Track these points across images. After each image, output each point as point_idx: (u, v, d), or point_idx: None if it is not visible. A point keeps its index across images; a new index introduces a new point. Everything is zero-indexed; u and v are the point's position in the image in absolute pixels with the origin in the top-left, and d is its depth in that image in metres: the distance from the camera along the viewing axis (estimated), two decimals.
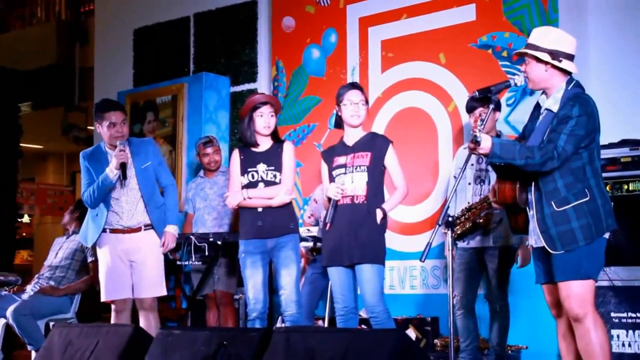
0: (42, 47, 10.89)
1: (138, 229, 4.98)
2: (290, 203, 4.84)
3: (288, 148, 4.89)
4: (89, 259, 6.10)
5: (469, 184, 5.03)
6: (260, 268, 4.78)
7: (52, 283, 5.91)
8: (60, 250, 6.13)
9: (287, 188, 4.80)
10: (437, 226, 3.80)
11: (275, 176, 4.83)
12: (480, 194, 4.97)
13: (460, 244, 5.03)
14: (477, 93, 3.87)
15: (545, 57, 3.71)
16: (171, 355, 3.78)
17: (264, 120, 4.85)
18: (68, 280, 5.97)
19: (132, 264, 4.97)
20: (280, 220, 4.78)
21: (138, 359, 3.86)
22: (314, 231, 5.51)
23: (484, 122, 3.65)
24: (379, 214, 4.49)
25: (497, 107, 5.12)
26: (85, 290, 6.10)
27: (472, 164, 5.04)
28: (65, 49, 10.85)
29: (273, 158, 4.85)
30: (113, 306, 5.03)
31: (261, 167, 4.85)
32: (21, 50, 10.88)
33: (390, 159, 4.62)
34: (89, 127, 10.65)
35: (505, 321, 4.99)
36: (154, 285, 4.97)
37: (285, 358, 3.44)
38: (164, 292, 5.07)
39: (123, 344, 3.97)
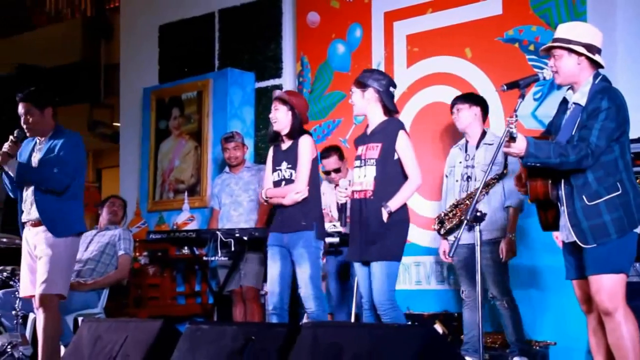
0: (68, 44, 10.99)
1: (38, 223, 4.84)
2: (307, 199, 4.81)
3: (303, 143, 4.85)
4: (119, 253, 6.13)
5: (457, 181, 5.11)
6: (278, 262, 4.81)
7: (81, 277, 5.93)
8: (90, 244, 6.15)
9: (297, 188, 4.78)
10: (466, 221, 3.77)
11: (291, 174, 4.85)
12: (467, 190, 5.05)
13: (452, 240, 5.08)
14: (505, 87, 3.83)
15: (580, 49, 3.68)
16: (199, 350, 3.79)
17: (271, 114, 4.91)
18: (98, 274, 6.00)
19: (35, 258, 4.87)
20: (293, 216, 4.79)
21: (167, 354, 3.87)
22: (339, 226, 5.50)
23: (516, 118, 3.61)
24: (384, 214, 4.41)
25: (475, 102, 5.18)
26: (113, 285, 6.14)
27: (460, 162, 5.13)
28: (90, 46, 10.94)
29: (292, 155, 4.87)
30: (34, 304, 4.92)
31: (284, 165, 4.89)
32: (47, 48, 10.99)
33: (400, 146, 4.50)
34: (114, 124, 10.73)
35: (516, 315, 4.98)
36: (43, 281, 4.73)
37: (312, 353, 3.43)
38: (53, 291, 4.76)
39: (151, 338, 3.98)
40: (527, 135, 3.65)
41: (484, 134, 5.12)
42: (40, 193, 4.81)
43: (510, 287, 5.04)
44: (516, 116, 3.58)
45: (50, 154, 4.85)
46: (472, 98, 5.25)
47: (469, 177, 5.06)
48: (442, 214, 5.13)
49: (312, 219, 4.79)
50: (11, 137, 4.83)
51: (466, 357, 4.82)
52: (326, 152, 6.05)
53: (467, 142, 5.20)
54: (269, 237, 4.91)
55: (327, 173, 6.04)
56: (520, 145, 3.57)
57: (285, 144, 4.94)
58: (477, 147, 5.10)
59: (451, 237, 5.11)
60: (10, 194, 5.03)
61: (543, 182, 3.69)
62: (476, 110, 5.15)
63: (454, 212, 5.04)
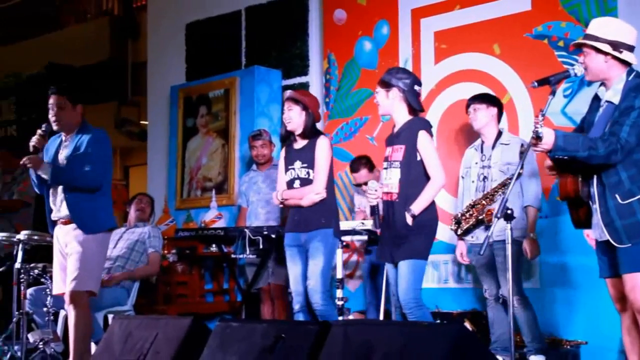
0: (96, 43, 11.06)
1: (69, 221, 4.85)
2: (325, 198, 4.80)
3: (320, 143, 4.85)
4: (149, 251, 6.16)
5: (473, 181, 5.11)
6: (298, 261, 4.83)
7: (110, 274, 5.95)
8: (119, 241, 6.17)
9: (317, 189, 4.77)
10: (496, 219, 3.75)
11: (308, 173, 4.83)
12: (484, 191, 5.04)
13: (470, 240, 5.11)
14: (535, 83, 3.81)
15: (606, 47, 3.64)
16: (229, 347, 3.79)
17: (284, 114, 4.91)
18: (127, 272, 6.02)
19: (65, 256, 4.86)
20: (312, 216, 4.78)
21: (197, 351, 3.89)
22: (368, 225, 5.49)
23: (542, 118, 3.58)
24: (408, 219, 4.40)
25: (493, 103, 5.18)
26: (142, 279, 6.16)
27: (476, 162, 5.14)
28: (117, 44, 11.00)
29: (307, 154, 4.86)
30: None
31: (297, 164, 4.88)
32: (75, 47, 11.06)
33: (421, 146, 4.46)
34: (141, 122, 10.78)
35: (529, 314, 4.94)
36: (74, 278, 4.73)
37: (343, 351, 3.43)
38: (84, 287, 4.77)
39: (182, 335, 4.00)
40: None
41: (499, 134, 5.13)
42: (69, 191, 4.83)
43: (522, 287, 5.01)
44: (542, 116, 3.56)
45: (77, 151, 4.87)
46: (490, 99, 5.25)
47: (485, 178, 5.07)
48: (459, 214, 5.13)
49: (331, 217, 4.82)
50: (39, 131, 4.85)
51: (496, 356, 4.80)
52: (355, 166, 6.04)
53: (482, 142, 5.19)
54: (285, 237, 4.91)
55: (358, 185, 6.05)
56: (548, 140, 3.55)
57: (299, 143, 4.93)
58: (493, 147, 5.10)
59: (468, 238, 5.11)
60: (36, 189, 5.05)
61: (573, 179, 3.66)
62: (493, 111, 5.15)
63: (471, 212, 5.04)
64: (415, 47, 6.49)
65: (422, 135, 4.47)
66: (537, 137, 3.53)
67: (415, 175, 4.47)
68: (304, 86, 7.14)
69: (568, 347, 5.22)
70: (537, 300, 5.20)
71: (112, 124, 11.13)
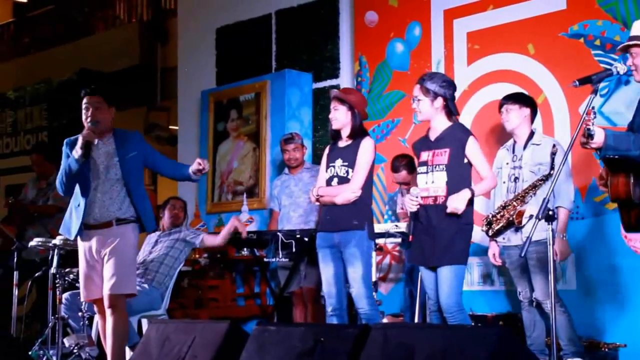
0: (125, 48, 11.12)
1: (109, 224, 4.74)
2: (359, 199, 4.77)
3: (365, 144, 4.83)
4: (200, 236, 6.12)
5: (504, 182, 5.06)
6: (330, 262, 4.79)
7: (147, 276, 5.90)
8: (157, 244, 6.08)
9: (353, 188, 4.75)
10: (537, 220, 3.69)
11: (347, 172, 4.81)
12: (515, 192, 4.98)
13: (501, 242, 5.05)
14: (577, 83, 3.75)
15: None
16: (267, 351, 3.77)
17: (330, 114, 4.90)
18: (166, 267, 5.93)
19: (102, 260, 4.74)
20: (344, 215, 4.74)
21: (235, 355, 3.87)
22: (403, 227, 5.46)
23: (595, 115, 3.52)
24: (465, 194, 4.40)
25: (526, 103, 5.09)
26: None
27: (507, 163, 5.08)
28: (147, 49, 11.04)
29: (350, 154, 4.84)
30: (95, 307, 4.92)
31: (338, 162, 4.86)
32: (105, 53, 11.13)
33: (471, 152, 4.53)
34: (170, 127, 10.82)
35: (564, 317, 4.85)
36: (114, 282, 4.65)
37: (383, 354, 3.40)
38: (125, 290, 4.71)
39: (219, 340, 3.98)
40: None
41: (531, 134, 5.06)
42: (135, 190, 4.78)
43: (557, 289, 4.93)
44: (594, 113, 3.49)
45: (133, 151, 4.81)
46: (523, 99, 5.17)
47: (516, 178, 5.01)
48: (490, 216, 5.08)
49: (364, 218, 4.77)
50: (89, 125, 4.69)
51: None
52: (397, 164, 6.00)
53: (514, 142, 5.14)
54: (317, 237, 4.88)
55: (398, 183, 6.04)
56: (598, 139, 3.49)
57: (344, 142, 4.91)
58: (525, 147, 5.03)
59: (499, 239, 5.06)
60: (64, 191, 4.83)
61: (625, 180, 3.59)
62: (526, 111, 5.08)
63: (502, 213, 4.98)
64: (448, 49, 6.44)
65: (472, 141, 4.54)
66: (589, 135, 3.46)
67: (462, 177, 4.52)
68: (335, 89, 7.09)
69: (606, 350, 5.13)
70: (574, 303, 5.12)
71: (142, 128, 11.16)
